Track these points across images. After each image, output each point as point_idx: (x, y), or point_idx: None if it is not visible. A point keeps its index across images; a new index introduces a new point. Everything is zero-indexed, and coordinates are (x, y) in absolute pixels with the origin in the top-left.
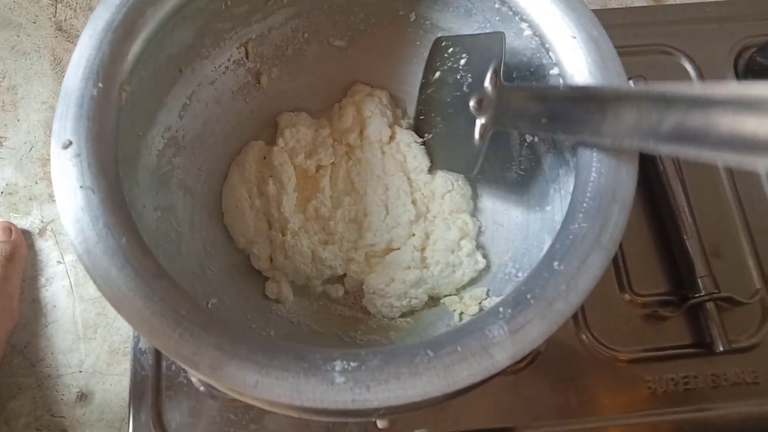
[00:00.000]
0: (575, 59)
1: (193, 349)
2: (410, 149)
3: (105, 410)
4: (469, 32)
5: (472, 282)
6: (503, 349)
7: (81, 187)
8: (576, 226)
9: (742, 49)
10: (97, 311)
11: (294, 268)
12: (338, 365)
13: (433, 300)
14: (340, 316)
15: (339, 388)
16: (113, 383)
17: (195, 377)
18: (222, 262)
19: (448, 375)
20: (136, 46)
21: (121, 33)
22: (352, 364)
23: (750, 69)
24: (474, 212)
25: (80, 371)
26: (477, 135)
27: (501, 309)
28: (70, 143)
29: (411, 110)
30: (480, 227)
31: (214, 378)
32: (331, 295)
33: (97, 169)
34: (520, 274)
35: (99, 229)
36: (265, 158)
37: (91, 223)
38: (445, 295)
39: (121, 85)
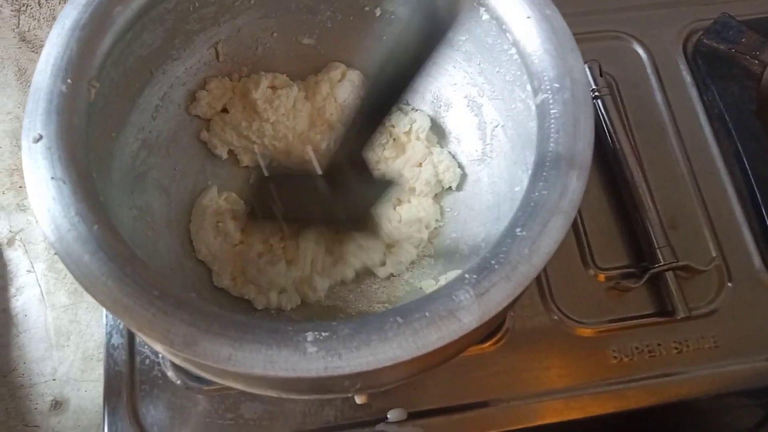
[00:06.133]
0: (531, 37)
1: (167, 327)
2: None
3: (81, 417)
4: None
5: (448, 266)
6: (470, 312)
7: (52, 178)
8: (537, 194)
9: (690, 32)
10: (70, 318)
11: (267, 279)
12: (310, 336)
13: (410, 284)
14: (320, 306)
15: (311, 357)
16: (88, 389)
17: (170, 371)
18: (198, 259)
19: (418, 339)
20: (104, 44)
21: (89, 31)
22: (323, 334)
23: (698, 50)
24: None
25: (54, 379)
26: None
27: (467, 275)
28: (41, 137)
29: None
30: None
31: (189, 353)
32: (309, 298)
33: (68, 160)
34: None
35: (71, 217)
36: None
37: (62, 212)
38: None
39: (90, 80)
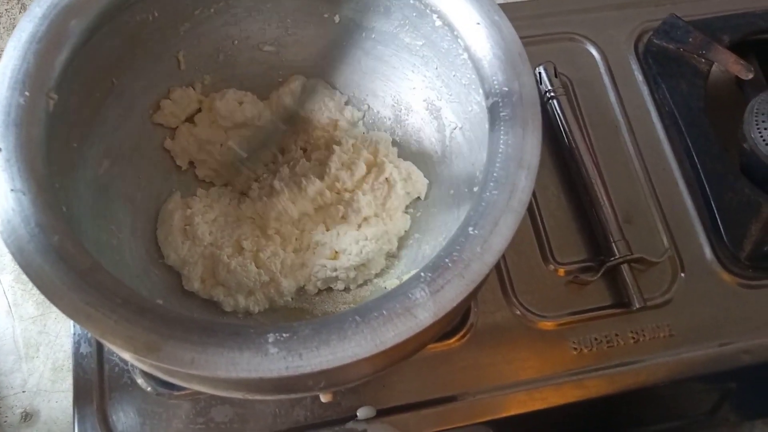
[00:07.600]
0: (481, 42)
1: (129, 333)
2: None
3: (52, 428)
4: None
5: (411, 265)
6: (425, 309)
7: (12, 190)
8: (488, 193)
9: (641, 33)
10: (39, 329)
11: (237, 281)
12: (271, 337)
13: (375, 285)
14: (286, 308)
15: (273, 357)
16: (59, 400)
17: (140, 378)
18: (165, 264)
19: (376, 336)
20: (61, 56)
21: (46, 43)
22: (284, 335)
23: (648, 50)
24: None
25: (24, 391)
26: None
27: (422, 274)
28: None
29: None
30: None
31: (153, 358)
32: (276, 302)
33: (28, 172)
34: None
35: (31, 229)
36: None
37: (23, 224)
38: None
39: (48, 92)
